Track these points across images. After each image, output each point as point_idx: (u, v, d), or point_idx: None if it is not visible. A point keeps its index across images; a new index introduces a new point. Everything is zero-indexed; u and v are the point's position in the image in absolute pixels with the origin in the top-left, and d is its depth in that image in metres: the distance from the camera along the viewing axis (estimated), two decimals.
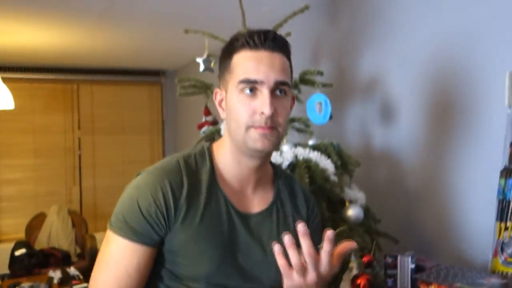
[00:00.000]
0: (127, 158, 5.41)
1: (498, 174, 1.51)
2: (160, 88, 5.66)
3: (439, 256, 1.85)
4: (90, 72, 5.17)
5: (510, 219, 1.45)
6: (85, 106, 5.25)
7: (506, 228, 1.46)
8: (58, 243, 4.25)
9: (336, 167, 1.74)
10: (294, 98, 1.10)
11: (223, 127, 1.76)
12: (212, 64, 1.94)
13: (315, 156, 1.70)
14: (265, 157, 1.06)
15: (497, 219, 1.50)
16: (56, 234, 4.28)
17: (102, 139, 5.32)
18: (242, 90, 0.98)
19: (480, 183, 1.69)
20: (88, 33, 3.51)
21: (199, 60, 1.93)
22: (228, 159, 1.06)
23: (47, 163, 5.07)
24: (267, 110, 0.95)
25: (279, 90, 0.99)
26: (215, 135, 1.84)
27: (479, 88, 1.69)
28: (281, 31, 1.87)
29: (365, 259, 1.56)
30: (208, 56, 1.93)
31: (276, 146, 1.04)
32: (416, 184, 2.01)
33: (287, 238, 0.83)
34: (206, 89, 1.90)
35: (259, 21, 2.86)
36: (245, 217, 1.05)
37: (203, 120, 2.05)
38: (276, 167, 1.18)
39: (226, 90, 1.03)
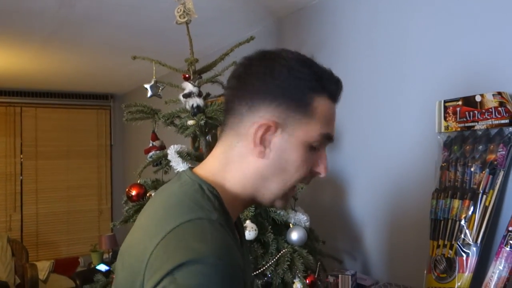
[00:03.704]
0: (73, 183, 5.26)
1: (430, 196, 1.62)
2: (108, 112, 5.58)
3: (380, 274, 1.94)
4: (34, 95, 5.03)
5: (441, 238, 1.54)
6: (28, 130, 5.09)
7: (438, 246, 1.55)
8: None
9: None
10: None
11: (170, 151, 1.77)
12: (159, 90, 1.96)
13: None
14: None
15: (430, 238, 1.60)
16: None
17: (45, 163, 5.16)
18: (316, 146, 0.78)
19: (415, 204, 1.79)
20: (32, 56, 3.44)
21: (147, 86, 1.95)
22: (232, 198, 0.79)
23: None
24: (324, 175, 0.79)
25: None
26: (162, 160, 1.85)
27: (416, 115, 1.80)
28: (227, 60, 1.94)
29: (308, 279, 1.61)
30: (156, 82, 1.95)
31: None
32: (359, 205, 2.10)
33: None
34: (153, 114, 1.91)
35: (206, 50, 2.94)
36: None
37: (150, 144, 2.06)
38: None
39: (291, 133, 0.76)
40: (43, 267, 4.57)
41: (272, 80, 0.76)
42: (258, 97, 0.76)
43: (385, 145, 1.94)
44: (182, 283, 0.61)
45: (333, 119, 0.80)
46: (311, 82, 0.77)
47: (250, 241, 1.59)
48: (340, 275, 1.67)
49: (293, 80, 0.76)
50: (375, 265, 2.00)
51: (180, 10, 1.83)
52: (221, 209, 0.74)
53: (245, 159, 0.78)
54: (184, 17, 1.82)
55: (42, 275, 4.43)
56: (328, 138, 0.79)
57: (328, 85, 0.79)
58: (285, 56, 0.78)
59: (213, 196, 0.75)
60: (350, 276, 1.61)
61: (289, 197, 0.81)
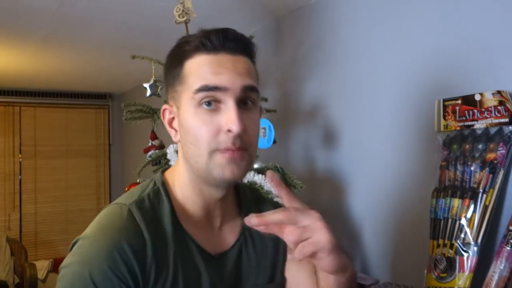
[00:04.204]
0: (71, 182, 5.25)
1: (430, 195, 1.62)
2: (107, 112, 5.57)
3: (379, 274, 1.93)
4: (33, 95, 5.02)
5: (441, 237, 1.54)
6: (27, 129, 5.07)
7: (438, 245, 1.55)
8: None
9: None
10: (261, 111, 0.89)
11: (169, 151, 1.77)
12: (158, 89, 1.96)
13: (259, 179, 1.74)
14: (232, 185, 0.88)
15: (430, 237, 1.60)
16: None
17: (44, 163, 5.14)
18: (200, 103, 0.77)
19: (415, 203, 1.79)
20: (31, 56, 3.43)
21: (146, 85, 1.94)
22: (188, 191, 0.85)
23: None
24: (235, 127, 0.74)
25: (245, 100, 0.79)
26: (161, 159, 1.85)
27: (415, 114, 1.80)
28: None
29: None
30: (155, 81, 1.95)
31: (247, 172, 0.82)
32: (358, 205, 2.10)
33: (269, 174, 0.72)
34: (152, 113, 1.91)
35: None
36: (220, 258, 0.86)
37: (150, 144, 2.06)
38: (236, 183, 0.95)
39: (179, 105, 0.82)
40: (42, 266, 4.57)
41: (165, 74, 0.88)
42: (167, 91, 0.87)
43: (384, 144, 1.94)
44: None
45: (211, 68, 0.77)
46: (177, 53, 0.83)
47: None
48: None
49: (168, 64, 0.85)
50: (374, 265, 2.00)
51: (179, 9, 1.82)
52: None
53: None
54: (183, 17, 1.82)
55: (41, 275, 4.43)
56: (206, 90, 0.77)
57: (195, 43, 0.79)
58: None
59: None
60: None
61: (223, 162, 0.78)
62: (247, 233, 0.92)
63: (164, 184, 0.87)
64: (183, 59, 0.81)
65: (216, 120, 0.76)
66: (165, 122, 0.87)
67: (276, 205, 1.00)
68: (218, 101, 0.77)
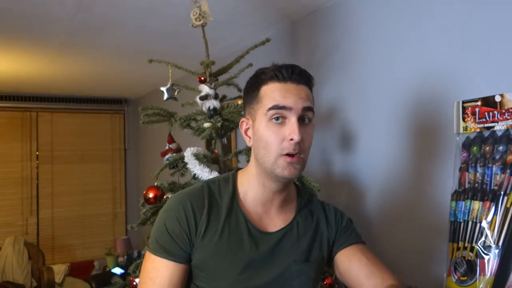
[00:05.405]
0: (87, 187, 5.30)
1: (450, 197, 1.60)
2: (122, 117, 5.62)
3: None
4: (50, 100, 5.09)
5: (461, 240, 1.52)
6: (44, 135, 5.14)
7: (458, 248, 1.53)
8: (13, 277, 4.08)
9: None
10: (314, 127, 1.15)
11: (186, 154, 1.78)
12: (175, 93, 1.97)
13: None
14: (289, 181, 1.12)
15: (449, 240, 1.58)
16: (11, 267, 4.11)
17: (61, 168, 5.20)
18: (271, 118, 1.03)
19: (434, 206, 1.77)
20: (49, 61, 3.48)
21: (163, 89, 1.96)
22: (253, 183, 1.11)
23: (3, 193, 4.91)
24: (296, 137, 1.00)
25: (304, 117, 1.04)
26: (178, 162, 1.86)
27: (432, 116, 1.79)
28: (242, 63, 1.94)
29: (326, 281, 1.60)
30: (172, 85, 1.96)
31: (301, 172, 1.08)
32: (375, 208, 2.08)
33: None
34: (169, 117, 1.92)
35: (220, 53, 2.95)
36: (265, 235, 1.10)
37: (167, 147, 2.07)
38: (298, 186, 1.25)
39: (254, 119, 1.08)
40: (59, 270, 4.61)
41: (245, 96, 1.15)
42: (245, 109, 1.14)
43: (402, 147, 1.92)
44: None
45: (281, 92, 1.03)
46: (255, 80, 1.09)
47: None
48: None
49: (248, 88, 1.12)
50: (392, 268, 1.97)
51: (196, 13, 1.84)
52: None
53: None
54: (200, 20, 1.83)
55: (58, 278, 4.47)
56: (276, 108, 1.01)
57: (270, 74, 1.05)
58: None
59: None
60: None
61: (284, 164, 1.03)
62: (295, 223, 1.15)
63: (234, 174, 1.16)
64: (260, 85, 1.07)
65: (282, 131, 1.02)
66: (242, 131, 1.13)
67: (323, 203, 1.26)
68: (284, 117, 1.02)
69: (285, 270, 1.09)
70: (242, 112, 1.20)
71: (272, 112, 1.02)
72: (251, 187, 1.12)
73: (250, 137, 1.11)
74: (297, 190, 1.23)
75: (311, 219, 1.19)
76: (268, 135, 1.03)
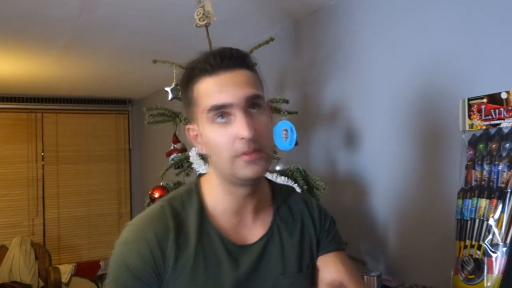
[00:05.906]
0: (93, 187, 5.32)
1: (456, 195, 1.59)
2: (127, 117, 5.63)
3: (404, 276, 1.91)
4: (54, 101, 5.11)
5: (468, 238, 1.51)
6: (49, 136, 5.16)
7: (465, 247, 1.52)
8: (20, 277, 4.10)
9: (303, 191, 1.78)
10: (272, 108, 1.00)
11: (192, 154, 1.78)
12: (180, 93, 1.97)
13: (282, 181, 1.74)
14: (258, 182, 0.97)
15: (456, 238, 1.57)
16: (18, 267, 4.13)
17: (66, 168, 5.22)
18: (213, 120, 0.88)
19: (440, 204, 1.76)
20: (53, 63, 3.49)
21: (167, 89, 1.96)
22: (219, 192, 0.96)
23: (9, 194, 4.93)
24: (246, 133, 0.85)
25: (252, 106, 0.89)
26: (183, 162, 1.86)
27: (437, 114, 1.78)
28: None
29: None
30: (176, 85, 1.96)
31: (267, 168, 0.93)
32: (380, 206, 2.08)
33: None
34: (174, 117, 1.93)
35: None
36: (244, 249, 0.96)
37: (172, 147, 2.07)
38: (272, 183, 1.09)
39: (198, 124, 0.93)
40: (65, 270, 4.63)
41: (182, 98, 0.99)
42: (187, 113, 0.99)
43: (407, 145, 1.92)
44: None
45: (215, 88, 0.88)
46: (186, 80, 0.94)
47: None
48: (365, 276, 1.65)
49: (182, 90, 0.97)
50: (398, 267, 1.97)
51: (200, 13, 1.84)
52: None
53: None
54: (204, 20, 1.83)
55: (64, 278, 4.49)
56: (214, 109, 0.87)
57: (198, 69, 0.90)
58: None
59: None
60: (375, 277, 1.60)
61: (243, 164, 0.88)
62: (275, 227, 1.01)
63: (197, 185, 1.00)
64: (193, 84, 0.92)
65: (230, 130, 0.87)
66: (191, 139, 0.98)
67: (304, 198, 1.11)
68: (228, 114, 0.88)
69: (274, 284, 0.97)
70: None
71: (212, 113, 0.88)
72: (218, 197, 0.96)
73: (201, 144, 0.96)
74: (272, 189, 1.07)
75: (291, 219, 1.04)
76: (215, 138, 0.88)
